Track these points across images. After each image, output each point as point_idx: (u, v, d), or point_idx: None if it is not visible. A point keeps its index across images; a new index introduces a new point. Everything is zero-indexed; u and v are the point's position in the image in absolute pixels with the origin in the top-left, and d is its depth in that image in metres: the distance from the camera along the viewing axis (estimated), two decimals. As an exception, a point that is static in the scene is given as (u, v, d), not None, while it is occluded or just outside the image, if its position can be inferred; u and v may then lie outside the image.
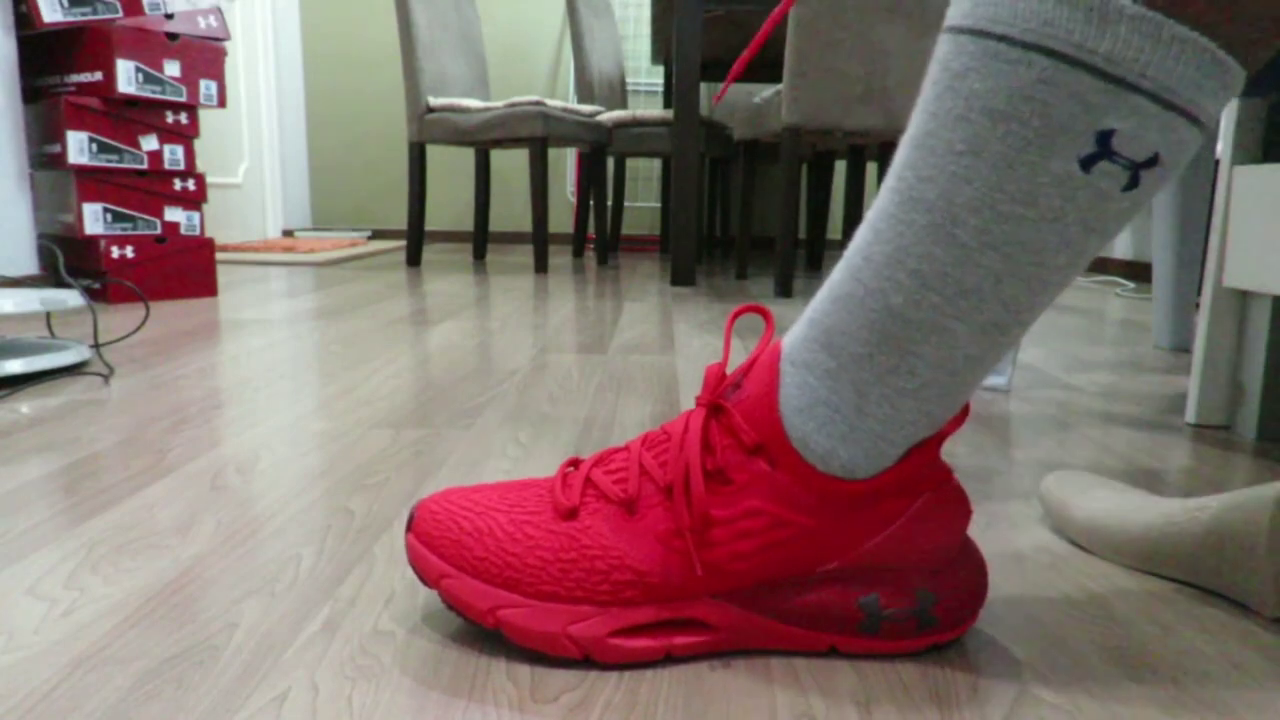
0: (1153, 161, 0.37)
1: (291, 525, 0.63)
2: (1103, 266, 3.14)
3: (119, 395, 1.00)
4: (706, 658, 0.46)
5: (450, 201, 4.12)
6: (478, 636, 0.47)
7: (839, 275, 0.44)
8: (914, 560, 0.46)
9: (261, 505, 0.67)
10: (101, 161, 1.69)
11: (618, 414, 0.97)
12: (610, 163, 3.95)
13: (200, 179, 1.85)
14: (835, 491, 0.44)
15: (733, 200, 4.03)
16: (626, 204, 4.12)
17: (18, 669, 0.43)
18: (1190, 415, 0.98)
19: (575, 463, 0.50)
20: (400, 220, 4.15)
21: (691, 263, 2.33)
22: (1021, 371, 1.28)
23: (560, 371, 1.19)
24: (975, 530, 0.65)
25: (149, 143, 1.76)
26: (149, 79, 1.73)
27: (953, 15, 0.39)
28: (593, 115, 2.82)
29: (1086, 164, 0.36)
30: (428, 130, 2.63)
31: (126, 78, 1.69)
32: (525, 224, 4.13)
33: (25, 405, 0.95)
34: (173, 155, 1.80)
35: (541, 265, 2.62)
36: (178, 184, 1.82)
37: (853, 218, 2.91)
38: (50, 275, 1.73)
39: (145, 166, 1.76)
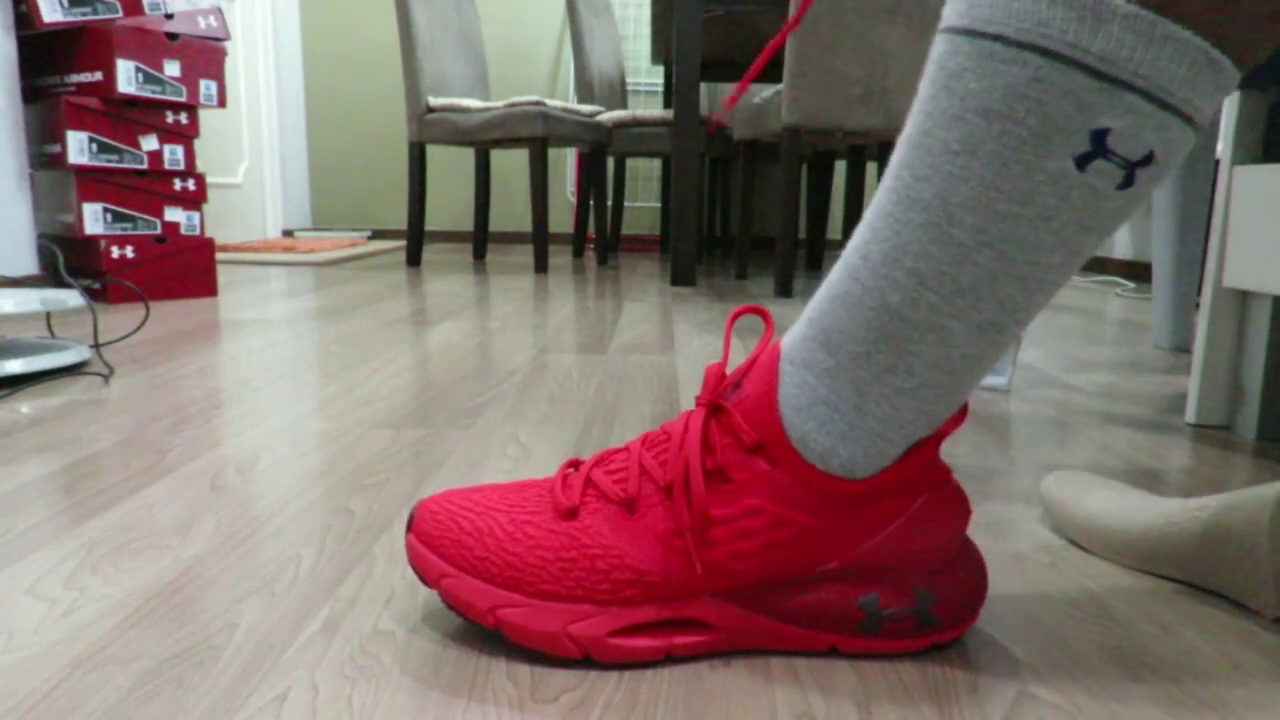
0: (1148, 160, 0.37)
1: (291, 525, 0.63)
2: (1103, 266, 3.14)
3: (119, 395, 1.00)
4: (706, 657, 0.46)
5: (450, 201, 4.12)
6: (478, 636, 0.47)
7: (837, 274, 0.44)
8: (913, 560, 0.46)
9: (261, 505, 0.67)
10: (101, 161, 1.69)
11: (618, 414, 0.97)
12: (610, 163, 3.95)
13: (200, 179, 1.85)
14: (835, 490, 0.44)
15: (733, 200, 4.03)
16: (626, 204, 4.12)
17: (18, 669, 0.43)
18: (1190, 415, 0.98)
19: (575, 463, 0.50)
20: (400, 220, 4.15)
21: (691, 263, 2.33)
22: (1021, 371, 1.28)
23: (560, 371, 1.19)
24: (975, 530, 0.65)
25: (149, 143, 1.76)
26: (149, 79, 1.73)
27: (948, 15, 0.39)
28: (593, 115, 2.82)
29: (1081, 163, 0.36)
30: (428, 130, 2.63)
31: (126, 78, 1.69)
32: (525, 224, 4.13)
33: (25, 405, 0.95)
34: (173, 155, 1.80)
35: (541, 265, 2.62)
36: (178, 184, 1.82)
37: (852, 218, 2.91)
38: (50, 275, 1.73)
39: (145, 166, 1.76)
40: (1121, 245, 3.02)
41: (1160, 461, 0.84)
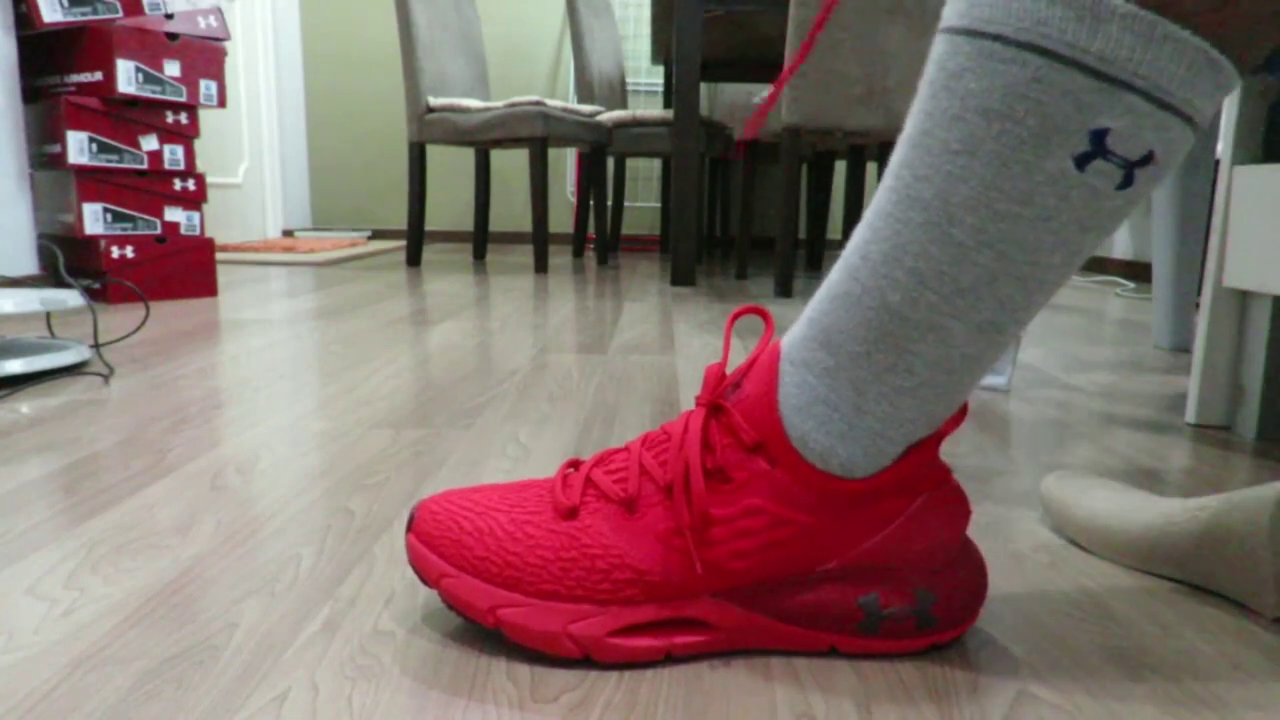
0: (1147, 160, 0.37)
1: (291, 525, 0.63)
2: (1103, 266, 3.14)
3: (119, 395, 1.00)
4: (706, 657, 0.46)
5: (450, 201, 4.12)
6: (478, 636, 0.47)
7: (837, 274, 0.44)
8: (913, 560, 0.46)
9: (261, 505, 0.67)
10: (101, 161, 1.69)
11: (618, 414, 0.97)
12: (610, 163, 3.95)
13: (200, 179, 1.85)
14: (834, 490, 0.44)
15: (733, 200, 4.03)
16: (626, 204, 4.12)
17: (18, 669, 0.43)
18: (1190, 415, 0.98)
19: (575, 463, 0.50)
20: (400, 220, 4.15)
21: (691, 263, 2.33)
22: (1021, 371, 1.28)
23: (560, 371, 1.19)
24: (975, 530, 0.65)
25: (149, 143, 1.76)
26: (149, 79, 1.73)
27: (948, 15, 0.39)
28: (593, 115, 2.82)
29: (1081, 162, 0.36)
30: (428, 130, 2.63)
31: (126, 78, 1.69)
32: (525, 224, 4.13)
33: (25, 405, 0.95)
34: (173, 155, 1.80)
35: (541, 265, 2.62)
36: (178, 184, 1.82)
37: (853, 218, 2.91)
38: (50, 275, 1.73)
39: (145, 166, 1.76)
40: (1121, 245, 3.02)
41: (1160, 461, 0.84)
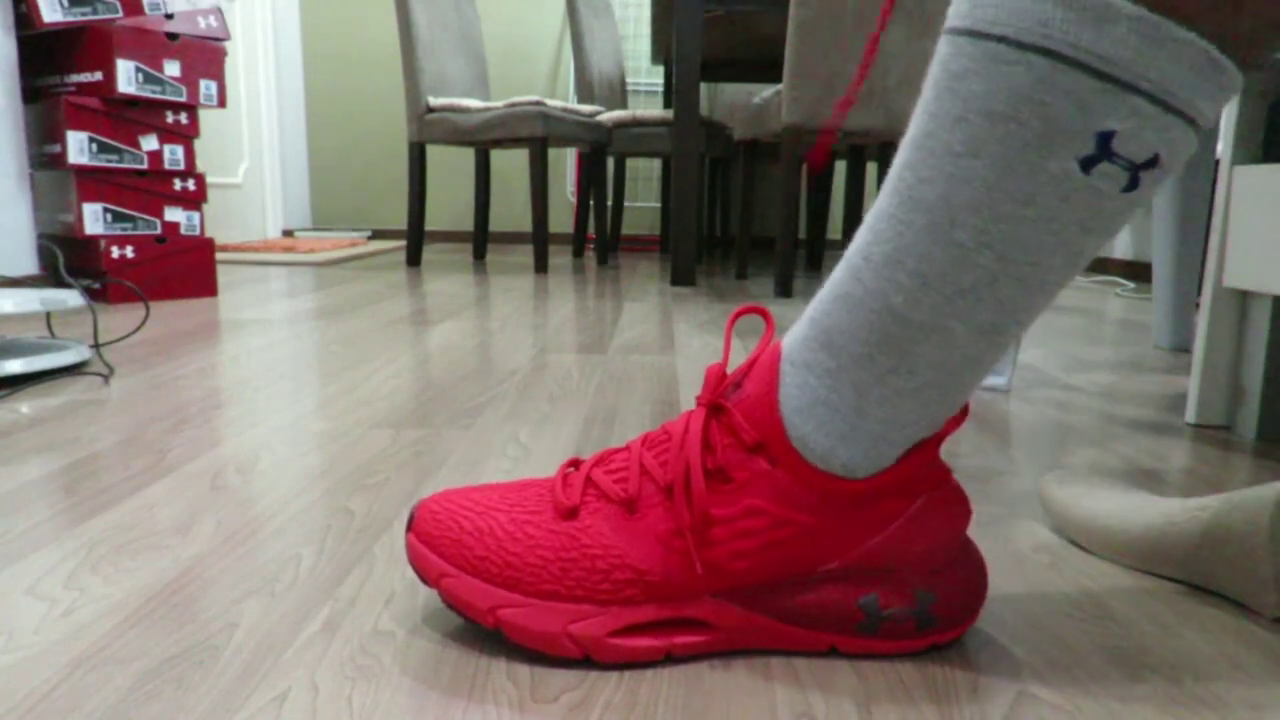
0: (1152, 163, 0.37)
1: (291, 525, 0.63)
2: (1103, 266, 3.14)
3: (119, 395, 1.00)
4: (706, 657, 0.46)
5: (450, 201, 4.12)
6: (478, 636, 0.47)
7: (839, 275, 0.44)
8: (913, 560, 0.46)
9: (261, 505, 0.67)
10: (101, 161, 1.69)
11: (618, 414, 0.97)
12: (610, 163, 3.95)
13: (200, 179, 1.85)
14: (835, 490, 0.44)
15: (733, 200, 4.03)
16: (626, 204, 4.12)
17: (18, 669, 0.43)
18: (1190, 415, 0.98)
19: (575, 463, 0.50)
20: (400, 220, 4.15)
21: (691, 263, 2.33)
22: (1021, 371, 1.28)
23: (560, 371, 1.19)
24: (975, 530, 0.65)
25: (149, 143, 1.76)
26: (149, 79, 1.73)
27: (952, 16, 0.39)
28: (593, 115, 2.82)
29: (1086, 165, 0.36)
30: (428, 130, 2.63)
31: (126, 78, 1.69)
32: (525, 224, 4.13)
33: (25, 405, 0.95)
34: (173, 155, 1.80)
35: (541, 265, 2.62)
36: (178, 184, 1.82)
37: (853, 218, 2.91)
38: (50, 275, 1.73)
39: (145, 166, 1.76)
40: (1121, 245, 3.02)
41: (1160, 461, 0.84)
